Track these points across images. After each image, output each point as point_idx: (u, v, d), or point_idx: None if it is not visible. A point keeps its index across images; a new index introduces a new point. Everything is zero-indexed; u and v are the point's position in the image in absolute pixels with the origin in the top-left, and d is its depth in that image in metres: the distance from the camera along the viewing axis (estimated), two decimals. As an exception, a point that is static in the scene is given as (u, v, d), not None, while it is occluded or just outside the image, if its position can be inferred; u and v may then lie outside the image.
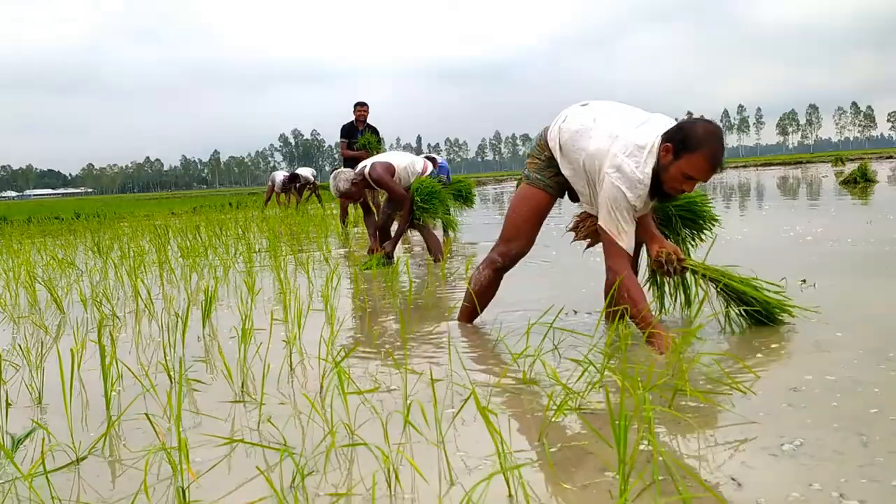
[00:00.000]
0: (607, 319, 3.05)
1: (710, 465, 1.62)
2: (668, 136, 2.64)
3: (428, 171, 5.81)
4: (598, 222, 2.79)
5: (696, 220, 3.27)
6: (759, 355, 2.48)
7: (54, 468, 1.80)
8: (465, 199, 8.51)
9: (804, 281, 3.71)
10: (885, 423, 1.78)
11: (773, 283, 2.96)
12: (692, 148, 2.56)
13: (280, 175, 15.13)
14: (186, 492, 1.35)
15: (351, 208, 10.20)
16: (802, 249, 5.13)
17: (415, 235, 7.65)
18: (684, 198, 3.19)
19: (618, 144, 2.69)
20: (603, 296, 3.01)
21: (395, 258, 5.88)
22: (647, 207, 2.85)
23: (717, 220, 3.30)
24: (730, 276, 2.87)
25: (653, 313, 2.75)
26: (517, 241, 3.12)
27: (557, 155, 2.94)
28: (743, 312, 2.88)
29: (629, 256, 2.77)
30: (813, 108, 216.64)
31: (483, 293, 3.24)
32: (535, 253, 3.47)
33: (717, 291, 2.89)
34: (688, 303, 3.12)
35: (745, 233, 6.48)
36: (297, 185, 15.03)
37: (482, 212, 12.18)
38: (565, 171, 2.95)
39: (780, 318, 2.88)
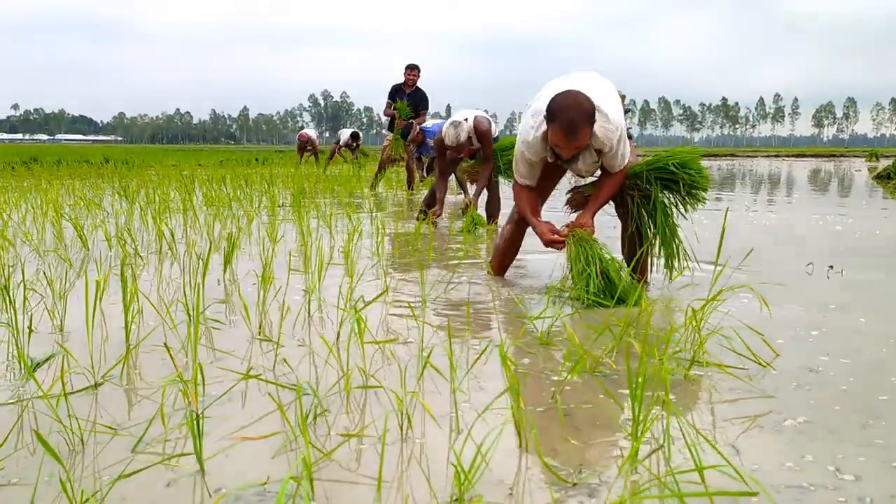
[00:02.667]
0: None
1: (714, 433, 1.61)
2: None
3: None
4: None
5: (677, 182, 3.11)
6: (777, 332, 2.45)
7: (73, 391, 1.82)
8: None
9: (831, 267, 3.66)
10: (892, 408, 1.75)
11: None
12: (549, 119, 2.83)
13: (346, 133, 15.30)
14: (200, 419, 1.36)
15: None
16: (831, 238, 5.05)
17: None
18: (662, 158, 3.12)
19: (534, 106, 3.03)
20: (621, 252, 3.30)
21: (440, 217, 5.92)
22: (583, 165, 3.06)
23: (707, 180, 3.12)
24: (597, 253, 2.93)
25: (531, 219, 3.19)
26: (535, 198, 3.34)
27: None
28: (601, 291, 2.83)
29: (522, 187, 3.25)
30: (851, 102, 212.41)
31: (506, 248, 3.48)
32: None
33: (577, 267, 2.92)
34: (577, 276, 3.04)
35: (772, 219, 6.39)
36: (355, 144, 15.14)
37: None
38: None
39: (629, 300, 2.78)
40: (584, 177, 3.27)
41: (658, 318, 2.61)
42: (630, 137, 3.47)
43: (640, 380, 1.45)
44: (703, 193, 3.14)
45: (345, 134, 15.43)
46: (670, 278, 3.26)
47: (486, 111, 6.42)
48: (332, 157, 15.44)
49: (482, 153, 5.68)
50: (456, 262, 3.88)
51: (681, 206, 3.17)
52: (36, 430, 1.31)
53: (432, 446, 1.53)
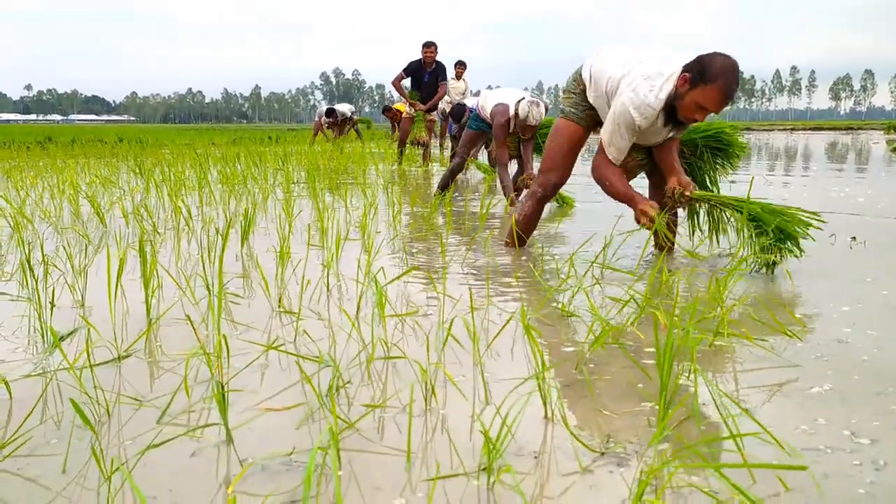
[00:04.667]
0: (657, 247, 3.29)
1: (741, 401, 1.59)
2: (686, 67, 2.76)
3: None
4: (601, 131, 3.02)
5: (723, 150, 3.41)
6: (800, 303, 2.42)
7: (97, 363, 1.82)
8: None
9: (854, 238, 3.62)
10: None
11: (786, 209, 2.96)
12: (707, 80, 2.68)
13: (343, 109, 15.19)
14: (225, 388, 1.35)
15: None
16: (851, 209, 4.99)
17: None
18: (715, 127, 3.36)
19: (640, 69, 2.87)
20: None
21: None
22: (661, 135, 3.01)
23: (744, 149, 3.41)
24: (739, 201, 2.96)
25: (629, 192, 3.02)
26: (555, 171, 3.34)
27: (589, 87, 3.11)
28: (768, 246, 2.89)
29: (611, 162, 3.02)
30: (868, 74, 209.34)
31: (527, 223, 3.49)
32: (582, 193, 3.45)
33: (731, 217, 3.04)
34: (694, 228, 3.29)
35: (792, 191, 6.32)
36: (339, 120, 15.07)
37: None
38: (592, 100, 3.12)
39: (798, 234, 2.89)
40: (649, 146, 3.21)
41: (682, 288, 2.58)
42: None
43: (665, 351, 1.43)
44: (735, 162, 3.45)
45: (344, 109, 15.19)
46: (718, 243, 3.31)
47: (475, 95, 6.38)
48: (330, 133, 15.28)
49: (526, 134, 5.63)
50: (475, 235, 3.86)
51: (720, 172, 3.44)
52: (72, 400, 1.30)
53: (457, 417, 1.52)
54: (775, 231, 2.85)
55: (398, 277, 2.41)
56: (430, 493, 1.20)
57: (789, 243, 2.87)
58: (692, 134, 3.35)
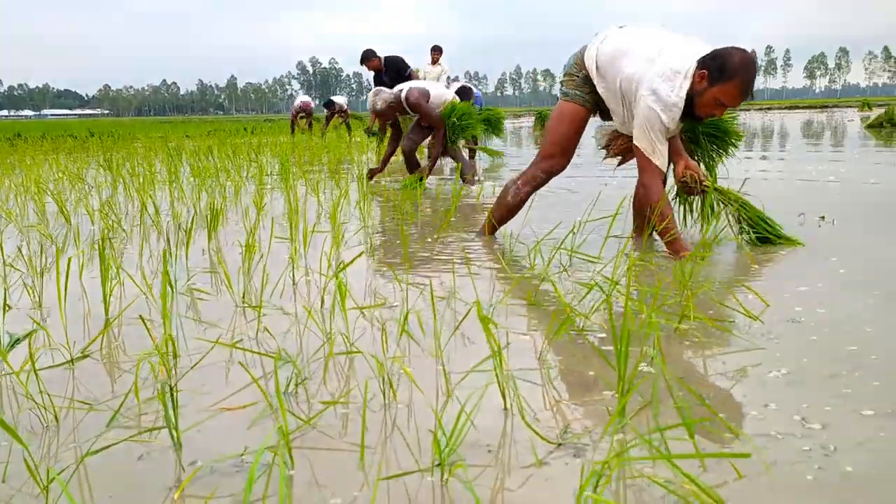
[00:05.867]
0: (636, 232, 3.31)
1: (701, 387, 1.58)
2: (703, 63, 2.72)
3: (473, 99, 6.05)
4: (634, 141, 2.91)
5: (720, 137, 3.41)
6: (762, 284, 2.41)
7: (48, 366, 1.78)
8: (494, 128, 8.64)
9: (823, 217, 3.63)
10: (860, 358, 1.73)
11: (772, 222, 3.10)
12: (727, 76, 2.66)
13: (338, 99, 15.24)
14: (174, 392, 1.32)
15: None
16: (824, 189, 5.01)
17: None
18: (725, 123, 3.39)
19: (655, 68, 2.78)
20: (632, 211, 3.35)
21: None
22: (679, 128, 2.96)
23: (740, 137, 3.42)
24: (745, 202, 3.08)
25: (674, 221, 2.90)
26: (559, 157, 3.25)
27: (594, 74, 3.04)
28: (753, 238, 3.04)
29: (661, 174, 2.90)
30: (843, 52, 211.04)
31: (514, 208, 3.41)
32: (556, 180, 3.45)
33: (733, 214, 3.10)
34: (706, 220, 3.20)
35: (767, 171, 6.34)
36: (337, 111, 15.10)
37: (497, 145, 12.00)
38: (601, 91, 3.05)
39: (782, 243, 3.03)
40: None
41: (648, 274, 2.56)
42: None
43: (624, 335, 1.41)
44: (735, 148, 3.48)
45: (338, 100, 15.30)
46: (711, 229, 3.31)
47: (471, 77, 6.57)
48: (326, 127, 15.30)
49: (424, 122, 5.86)
50: (444, 224, 3.83)
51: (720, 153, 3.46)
52: None
53: (416, 411, 1.50)
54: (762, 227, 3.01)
55: (347, 265, 2.37)
56: (374, 491, 1.17)
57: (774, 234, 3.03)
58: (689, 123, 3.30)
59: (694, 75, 2.74)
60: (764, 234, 3.03)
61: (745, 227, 3.06)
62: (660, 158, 2.85)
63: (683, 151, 3.09)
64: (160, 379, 1.55)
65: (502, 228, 3.51)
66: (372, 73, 8.89)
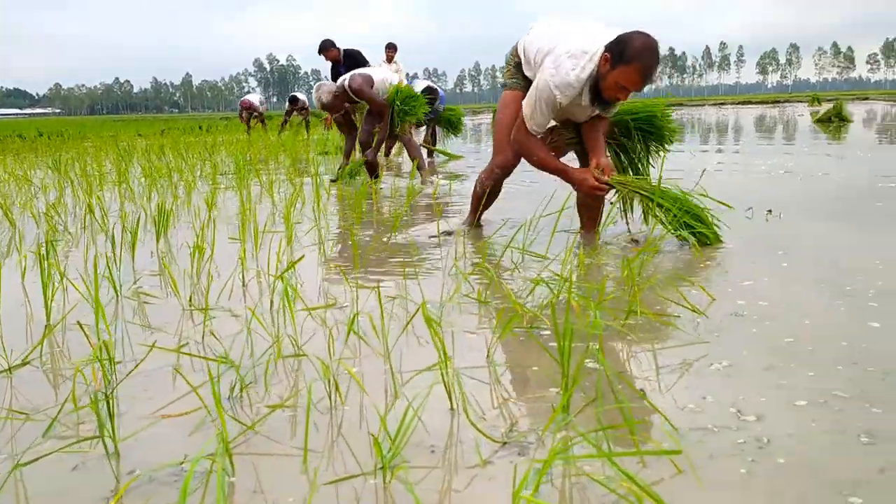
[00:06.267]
0: (583, 229, 3.37)
1: (646, 382, 1.59)
2: (608, 47, 2.79)
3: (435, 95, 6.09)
4: (523, 103, 3.04)
5: (654, 133, 3.39)
6: (708, 278, 2.45)
7: (-16, 376, 1.73)
8: (454, 127, 8.69)
9: (770, 211, 3.70)
10: (795, 350, 1.76)
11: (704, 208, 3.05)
12: (627, 60, 2.71)
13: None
14: (110, 400, 1.29)
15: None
16: (772, 183, 5.11)
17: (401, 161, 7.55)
18: (646, 110, 3.34)
19: (564, 45, 2.89)
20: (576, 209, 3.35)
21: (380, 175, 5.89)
22: (587, 113, 3.06)
23: (675, 132, 3.42)
24: (659, 192, 2.99)
25: (558, 164, 3.09)
26: (509, 148, 3.28)
27: (523, 59, 3.15)
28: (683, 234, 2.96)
29: (531, 134, 3.06)
30: (794, 48, 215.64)
31: (483, 197, 3.48)
32: (513, 177, 3.48)
33: (645, 206, 3.06)
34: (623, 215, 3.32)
35: (719, 166, 6.44)
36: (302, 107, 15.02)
37: (456, 143, 12.01)
38: (529, 76, 3.13)
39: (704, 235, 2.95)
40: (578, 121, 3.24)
41: (596, 271, 2.58)
42: None
43: (567, 333, 1.42)
44: (670, 143, 3.44)
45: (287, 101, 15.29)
46: (605, 225, 3.38)
47: (430, 74, 6.60)
48: (284, 125, 15.19)
49: (370, 108, 5.89)
50: (395, 223, 3.81)
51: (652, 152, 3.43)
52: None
53: (363, 413, 1.49)
54: (685, 220, 2.93)
55: (291, 266, 2.35)
56: (310, 495, 1.16)
57: (702, 230, 2.94)
58: (623, 115, 3.34)
59: (599, 59, 2.80)
60: (691, 228, 2.93)
61: (669, 221, 2.96)
62: (533, 125, 3.02)
63: (601, 149, 3.09)
64: (94, 387, 1.51)
65: (456, 227, 3.52)
66: (329, 65, 8.80)
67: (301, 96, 15.35)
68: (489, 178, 3.44)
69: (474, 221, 3.58)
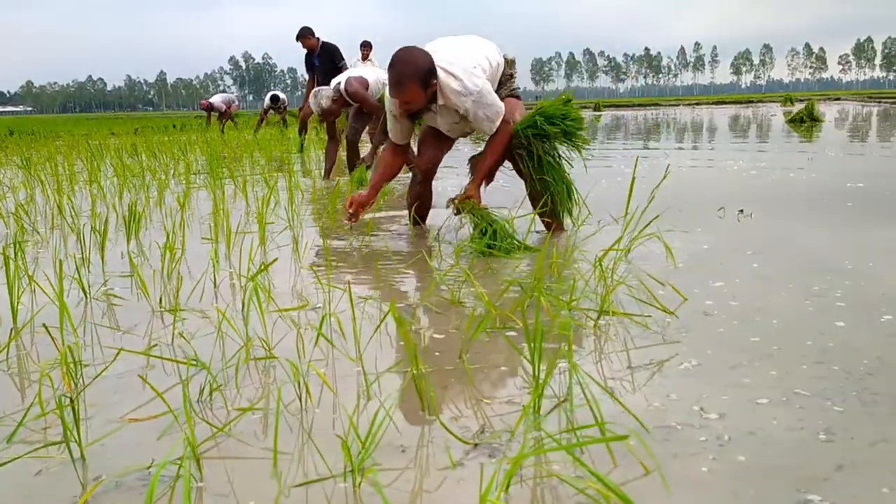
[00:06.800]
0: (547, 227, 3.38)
1: (617, 383, 1.60)
2: None
3: None
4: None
5: (551, 137, 3.20)
6: (679, 278, 2.46)
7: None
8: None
9: (741, 211, 3.74)
10: (760, 349, 1.78)
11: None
12: (388, 71, 2.96)
13: (267, 98, 15.36)
14: (74, 404, 1.27)
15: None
16: (744, 182, 5.17)
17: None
18: (537, 115, 3.20)
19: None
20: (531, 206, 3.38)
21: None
22: (436, 122, 3.26)
23: (574, 135, 3.23)
24: (490, 219, 3.01)
25: (367, 189, 3.34)
26: (424, 154, 3.46)
27: None
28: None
29: (393, 142, 3.38)
30: (767, 49, 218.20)
31: (416, 206, 3.55)
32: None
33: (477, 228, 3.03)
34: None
35: (690, 166, 6.50)
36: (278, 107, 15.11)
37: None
38: None
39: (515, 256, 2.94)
40: (454, 136, 3.40)
41: (569, 272, 2.59)
42: (518, 98, 3.43)
43: (537, 334, 1.42)
44: (583, 136, 3.27)
45: (267, 99, 15.37)
46: (576, 227, 3.36)
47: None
48: (260, 123, 15.13)
49: (364, 109, 5.90)
50: (369, 223, 3.80)
51: (567, 153, 3.28)
52: None
53: (332, 415, 1.48)
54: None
55: (264, 268, 2.33)
56: (278, 499, 1.15)
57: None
58: (516, 126, 3.20)
59: None
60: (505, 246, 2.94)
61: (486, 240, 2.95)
62: (391, 135, 3.36)
63: (475, 179, 3.22)
64: (61, 390, 1.49)
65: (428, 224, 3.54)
66: (304, 53, 8.76)
67: (282, 95, 15.40)
68: (413, 181, 3.58)
69: (413, 226, 3.63)
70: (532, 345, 1.45)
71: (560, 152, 3.26)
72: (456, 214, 3.22)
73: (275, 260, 2.53)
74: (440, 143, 3.45)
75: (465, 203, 3.12)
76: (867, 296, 2.19)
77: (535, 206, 3.29)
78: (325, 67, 8.61)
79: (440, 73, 2.99)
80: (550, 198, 3.22)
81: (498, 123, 3.15)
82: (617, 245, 2.45)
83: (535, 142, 3.17)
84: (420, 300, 2.30)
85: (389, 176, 3.45)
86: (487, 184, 3.41)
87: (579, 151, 3.27)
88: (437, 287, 2.45)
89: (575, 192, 3.32)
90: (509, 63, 3.42)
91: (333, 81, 5.83)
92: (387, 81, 5.90)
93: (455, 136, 3.40)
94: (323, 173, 6.41)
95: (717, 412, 1.43)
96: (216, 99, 15.85)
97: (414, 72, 2.90)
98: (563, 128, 3.18)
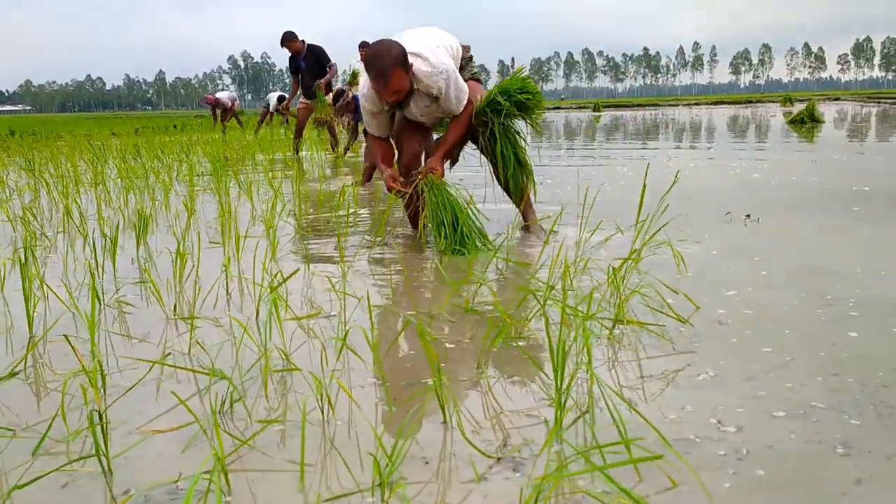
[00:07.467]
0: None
1: (635, 393, 1.61)
2: None
3: None
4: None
5: (507, 110, 3.29)
6: (691, 285, 2.47)
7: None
8: None
9: (748, 216, 3.75)
10: (773, 360, 1.79)
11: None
12: (366, 69, 3.04)
13: (274, 97, 15.31)
14: (103, 418, 1.28)
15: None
16: (748, 185, 5.16)
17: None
18: (516, 88, 3.30)
19: None
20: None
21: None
22: (413, 114, 3.31)
23: (538, 100, 3.34)
24: (451, 202, 3.14)
25: (385, 169, 3.34)
26: (405, 151, 3.53)
27: None
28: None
29: (376, 136, 3.43)
30: (766, 48, 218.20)
31: (409, 203, 3.53)
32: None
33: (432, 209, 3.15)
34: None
35: (694, 168, 6.51)
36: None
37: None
38: None
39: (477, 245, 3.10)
40: (427, 123, 3.46)
41: (582, 279, 2.60)
42: (479, 81, 3.59)
43: (558, 353, 1.43)
44: (539, 112, 3.36)
45: (273, 98, 15.29)
46: (520, 206, 3.50)
47: None
48: (262, 122, 15.11)
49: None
50: (380, 229, 3.81)
51: (528, 129, 3.41)
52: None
53: (356, 426, 1.49)
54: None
55: (286, 279, 2.34)
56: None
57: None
58: (479, 104, 3.32)
59: None
60: (463, 239, 3.08)
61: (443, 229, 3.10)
62: (370, 129, 3.41)
63: (437, 152, 3.30)
64: (90, 405, 1.50)
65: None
66: (289, 57, 8.85)
67: (287, 96, 15.37)
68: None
69: (415, 226, 3.64)
70: (556, 360, 1.46)
71: (517, 129, 3.38)
72: (411, 185, 3.26)
73: (296, 272, 2.53)
74: (417, 136, 3.55)
75: (429, 177, 3.20)
76: (879, 304, 2.20)
77: (505, 186, 3.46)
78: (311, 69, 8.68)
79: (410, 58, 3.07)
80: (510, 175, 3.36)
81: (465, 104, 3.29)
82: (629, 254, 2.46)
83: (492, 116, 3.29)
84: (436, 309, 2.31)
85: (391, 158, 3.47)
86: (452, 165, 3.55)
87: (536, 127, 3.37)
88: (451, 296, 2.45)
89: (531, 169, 3.43)
90: (465, 49, 3.58)
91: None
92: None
93: (429, 123, 3.46)
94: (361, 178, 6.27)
95: (734, 425, 1.45)
96: (223, 95, 15.74)
97: (395, 59, 2.98)
98: (518, 99, 3.28)
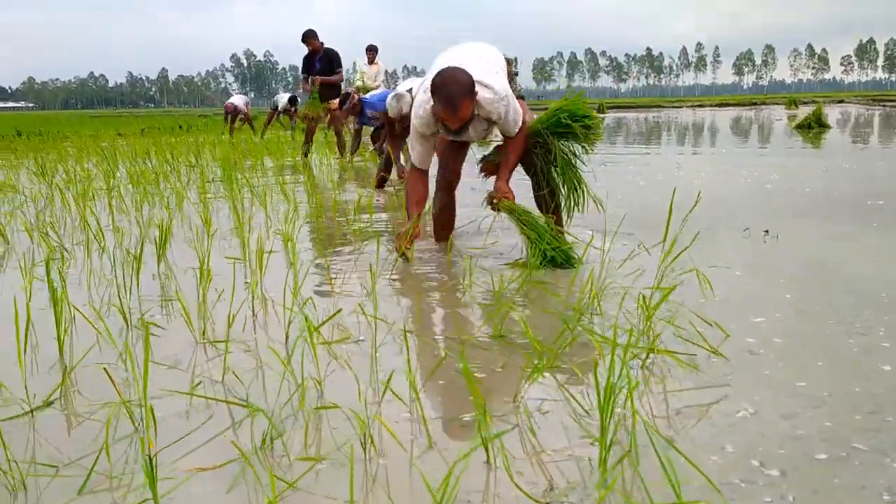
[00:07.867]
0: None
1: (673, 430, 1.61)
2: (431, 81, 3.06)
3: None
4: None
5: (571, 133, 3.31)
6: (719, 311, 2.46)
7: (5, 418, 1.71)
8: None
9: (767, 232, 3.74)
10: (810, 396, 1.78)
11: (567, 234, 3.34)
12: (433, 95, 3.04)
13: (283, 98, 15.18)
14: (153, 462, 1.28)
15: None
16: (761, 198, 5.14)
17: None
18: (556, 112, 3.33)
19: (426, 83, 3.18)
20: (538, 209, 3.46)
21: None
22: (468, 137, 3.31)
23: (597, 125, 3.33)
24: (533, 221, 3.20)
25: (412, 213, 3.35)
26: (442, 167, 3.65)
27: None
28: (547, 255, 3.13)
29: (417, 168, 3.41)
30: (769, 49, 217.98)
31: (440, 215, 3.71)
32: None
33: (520, 229, 3.23)
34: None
35: (703, 178, 6.50)
36: (293, 109, 14.92)
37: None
38: None
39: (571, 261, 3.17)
40: (481, 144, 3.53)
41: (608, 306, 2.58)
42: (521, 98, 3.60)
43: (605, 393, 1.43)
44: (597, 134, 3.34)
45: (282, 99, 15.17)
46: (569, 218, 3.49)
47: (409, 71, 6.65)
48: (268, 123, 15.08)
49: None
50: (402, 246, 3.80)
51: (580, 151, 3.39)
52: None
53: (397, 467, 1.49)
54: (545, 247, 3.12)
55: (326, 321, 2.34)
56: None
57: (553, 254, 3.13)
58: (536, 124, 3.36)
59: None
60: (552, 255, 3.13)
61: (536, 246, 3.13)
62: (415, 155, 3.38)
63: (503, 173, 3.33)
64: (146, 452, 1.50)
65: (462, 253, 3.54)
66: (304, 54, 8.90)
67: (300, 98, 15.27)
68: (437, 189, 3.68)
69: (440, 239, 3.72)
70: (600, 398, 1.46)
71: (573, 149, 3.39)
72: (495, 211, 3.35)
73: (339, 311, 2.50)
74: (458, 154, 3.65)
75: (503, 202, 3.25)
76: (909, 334, 2.19)
77: (541, 207, 3.45)
78: (323, 71, 8.79)
79: (476, 86, 3.08)
80: (558, 195, 3.41)
81: (521, 124, 3.29)
82: (658, 282, 2.45)
83: (552, 140, 3.32)
84: (466, 336, 2.30)
85: (423, 202, 3.45)
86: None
87: (589, 149, 3.37)
88: (477, 320, 2.45)
89: (586, 187, 3.43)
90: (510, 62, 3.61)
91: (401, 88, 5.84)
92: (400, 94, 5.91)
93: (475, 141, 3.52)
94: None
95: (777, 468, 1.44)
96: (239, 101, 15.53)
97: (465, 89, 3.00)
98: (585, 124, 3.30)
